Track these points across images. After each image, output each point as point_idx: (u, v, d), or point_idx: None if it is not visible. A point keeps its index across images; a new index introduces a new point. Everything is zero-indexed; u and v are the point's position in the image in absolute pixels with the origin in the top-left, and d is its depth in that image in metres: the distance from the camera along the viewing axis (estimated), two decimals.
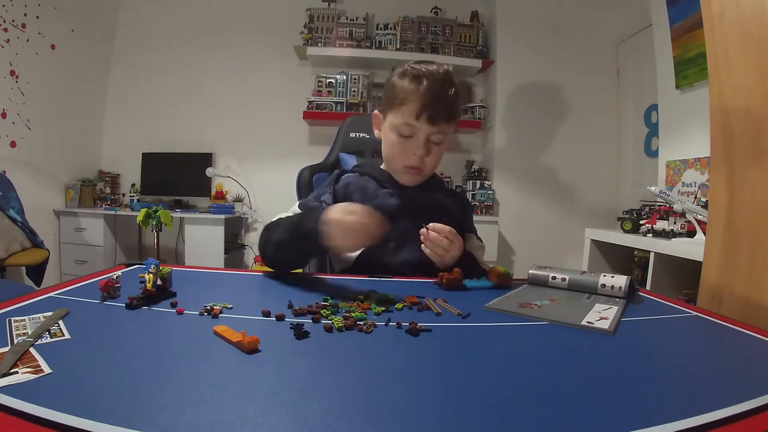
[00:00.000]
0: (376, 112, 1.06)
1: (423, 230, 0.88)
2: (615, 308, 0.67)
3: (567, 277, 0.81)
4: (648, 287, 1.83)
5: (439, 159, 1.02)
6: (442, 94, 0.94)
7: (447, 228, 0.89)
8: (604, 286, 0.77)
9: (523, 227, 3.14)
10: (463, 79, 3.31)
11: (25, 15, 2.63)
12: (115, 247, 3.14)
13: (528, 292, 0.78)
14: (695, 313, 0.70)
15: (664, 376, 0.46)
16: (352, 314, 0.59)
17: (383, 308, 0.63)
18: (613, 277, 0.77)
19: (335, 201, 1.00)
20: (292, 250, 0.85)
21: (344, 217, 0.76)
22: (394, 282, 0.84)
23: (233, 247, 3.18)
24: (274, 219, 0.95)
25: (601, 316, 0.63)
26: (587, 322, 0.59)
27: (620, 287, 0.75)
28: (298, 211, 0.99)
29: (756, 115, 0.94)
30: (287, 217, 0.94)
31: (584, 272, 0.81)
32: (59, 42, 2.89)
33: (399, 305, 0.66)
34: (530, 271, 0.85)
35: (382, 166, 1.08)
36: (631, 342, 0.55)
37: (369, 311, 0.62)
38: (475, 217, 1.20)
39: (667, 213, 1.95)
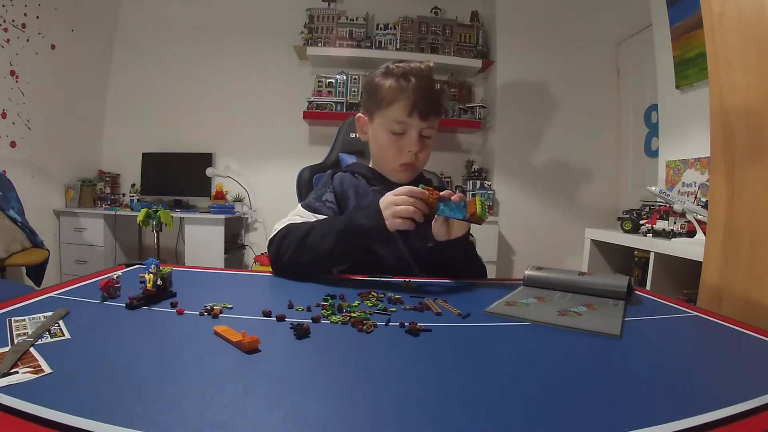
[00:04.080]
0: (359, 115, 1.06)
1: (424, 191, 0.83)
2: (618, 310, 0.67)
3: (564, 278, 0.80)
4: (648, 287, 1.83)
5: (429, 153, 1.04)
6: (430, 90, 0.97)
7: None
8: (603, 286, 0.76)
9: (523, 227, 3.14)
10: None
11: (25, 15, 2.63)
12: (115, 247, 3.14)
13: (525, 294, 0.77)
14: (695, 313, 0.70)
15: (663, 376, 0.46)
16: (352, 314, 0.59)
17: (383, 309, 0.64)
18: (611, 277, 0.77)
19: (336, 198, 1.02)
20: (338, 251, 0.85)
21: (396, 209, 0.81)
22: (393, 282, 0.84)
23: (233, 247, 3.17)
24: (282, 227, 0.92)
25: (604, 318, 0.63)
26: (591, 327, 0.58)
27: (620, 288, 0.74)
28: (305, 212, 0.98)
29: (756, 115, 0.94)
30: (311, 222, 0.91)
31: (582, 273, 0.80)
32: (59, 42, 2.89)
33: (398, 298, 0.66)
34: (526, 272, 0.84)
35: (369, 165, 1.09)
36: (631, 342, 0.55)
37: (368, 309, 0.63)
38: None
39: (667, 213, 1.95)
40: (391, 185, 1.02)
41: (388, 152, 1.01)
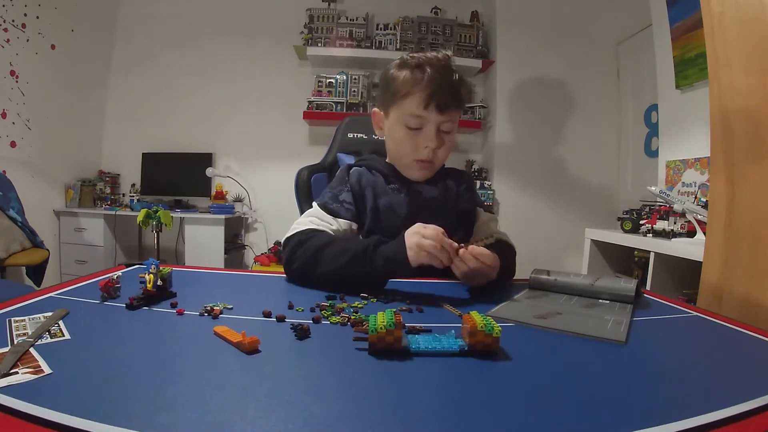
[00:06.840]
0: (375, 110, 1.02)
1: (462, 251, 0.75)
2: (624, 315, 0.65)
3: (571, 282, 0.79)
4: (648, 287, 1.82)
5: (449, 150, 0.98)
6: (447, 80, 0.91)
7: (485, 254, 0.77)
8: (611, 291, 0.74)
9: (523, 227, 3.13)
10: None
11: (25, 15, 2.63)
12: (115, 247, 3.14)
13: (531, 299, 0.75)
14: (695, 313, 0.70)
15: (663, 376, 0.46)
16: (352, 315, 0.59)
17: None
18: (620, 282, 0.76)
19: (354, 198, 0.97)
20: (349, 274, 0.77)
21: (422, 242, 0.73)
22: (395, 282, 0.84)
23: (233, 247, 3.17)
24: (299, 229, 0.87)
25: (610, 323, 0.62)
26: (597, 333, 0.57)
27: (628, 292, 0.73)
28: (323, 213, 0.93)
29: (756, 115, 0.94)
30: (330, 236, 0.86)
31: (588, 276, 0.79)
32: (59, 42, 2.89)
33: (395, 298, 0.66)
34: (531, 275, 0.84)
35: (387, 161, 1.05)
36: (631, 342, 0.55)
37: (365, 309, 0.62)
38: None
39: (667, 213, 1.95)
40: (409, 184, 0.99)
41: (404, 148, 0.96)
